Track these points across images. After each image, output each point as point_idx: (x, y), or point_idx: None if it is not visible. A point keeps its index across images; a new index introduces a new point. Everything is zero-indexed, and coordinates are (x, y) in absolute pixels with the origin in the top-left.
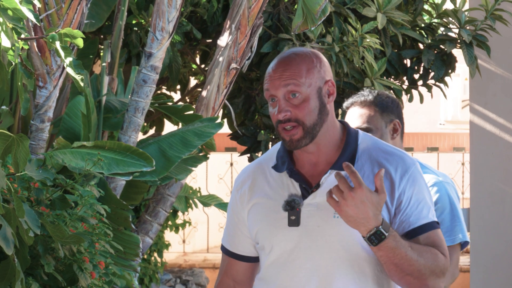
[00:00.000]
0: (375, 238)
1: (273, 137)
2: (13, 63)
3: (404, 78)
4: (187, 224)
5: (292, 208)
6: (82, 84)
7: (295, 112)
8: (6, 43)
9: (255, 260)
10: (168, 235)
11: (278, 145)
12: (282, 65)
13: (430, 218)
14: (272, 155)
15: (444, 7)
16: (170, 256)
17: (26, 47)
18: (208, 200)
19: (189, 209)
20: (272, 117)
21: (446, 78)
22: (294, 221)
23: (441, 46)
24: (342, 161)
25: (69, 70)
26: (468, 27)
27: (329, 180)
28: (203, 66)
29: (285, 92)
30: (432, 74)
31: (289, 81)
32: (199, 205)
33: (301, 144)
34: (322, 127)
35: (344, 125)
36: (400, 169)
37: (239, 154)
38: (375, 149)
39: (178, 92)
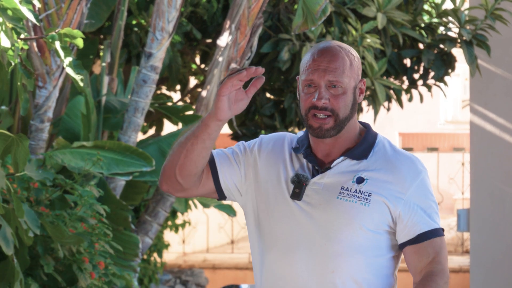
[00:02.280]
0: None
1: None
2: (13, 63)
3: (404, 78)
4: (187, 225)
5: (299, 182)
6: (81, 84)
7: (332, 102)
8: (6, 43)
9: (216, 188)
10: (168, 236)
11: (301, 133)
12: (328, 55)
13: (437, 224)
14: (294, 138)
15: (444, 7)
16: (169, 256)
17: (25, 47)
18: (208, 201)
19: (189, 209)
20: (304, 101)
21: (446, 78)
22: (297, 194)
23: (441, 45)
24: (358, 151)
25: (69, 70)
26: (468, 27)
27: (341, 165)
28: (203, 66)
29: (328, 81)
30: (432, 74)
31: (335, 72)
32: (199, 205)
33: (328, 134)
34: (349, 123)
35: (365, 126)
36: (412, 173)
37: None
38: (390, 150)
39: (178, 92)
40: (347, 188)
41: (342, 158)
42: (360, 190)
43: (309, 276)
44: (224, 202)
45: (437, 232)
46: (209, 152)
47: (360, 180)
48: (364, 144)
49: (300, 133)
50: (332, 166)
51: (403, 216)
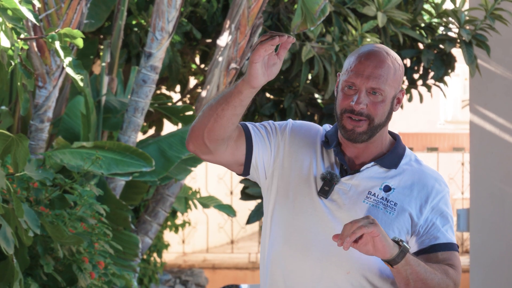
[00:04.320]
0: (404, 251)
1: None
2: (13, 63)
3: (404, 77)
4: (187, 224)
5: (331, 180)
6: (81, 84)
7: (370, 108)
8: (6, 43)
9: (245, 163)
10: (168, 236)
11: (328, 126)
12: (375, 60)
13: (453, 239)
14: (323, 131)
15: (444, 7)
16: (169, 256)
17: (25, 47)
18: (208, 202)
19: (188, 210)
20: (342, 101)
21: (446, 78)
22: (325, 192)
23: (440, 45)
24: (388, 159)
25: (69, 70)
26: (468, 27)
27: (370, 170)
28: (202, 66)
29: (369, 87)
30: (431, 74)
31: (378, 80)
32: (199, 205)
33: (360, 138)
34: (381, 130)
35: (395, 137)
36: (435, 191)
37: None
38: (417, 165)
39: (178, 92)
40: (374, 193)
41: (372, 163)
42: (386, 198)
43: (323, 274)
44: (224, 202)
45: (452, 247)
46: (239, 118)
47: (387, 189)
48: (394, 153)
49: (326, 126)
50: (361, 169)
51: (422, 228)
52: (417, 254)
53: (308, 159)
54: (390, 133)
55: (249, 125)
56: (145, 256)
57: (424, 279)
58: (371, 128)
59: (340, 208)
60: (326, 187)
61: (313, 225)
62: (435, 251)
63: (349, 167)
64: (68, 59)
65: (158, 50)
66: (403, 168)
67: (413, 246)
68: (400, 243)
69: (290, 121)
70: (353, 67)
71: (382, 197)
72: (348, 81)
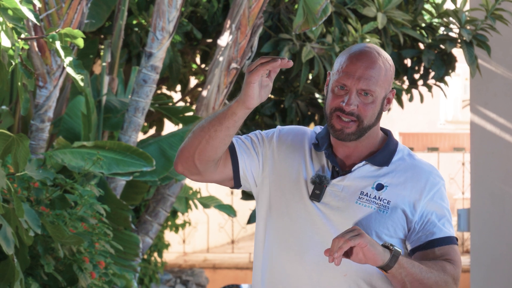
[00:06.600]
0: (395, 255)
1: None
2: (13, 63)
3: (405, 77)
4: (187, 224)
5: (321, 183)
6: (82, 84)
7: (360, 109)
8: (6, 42)
9: (234, 177)
10: (168, 235)
11: (318, 128)
12: (366, 61)
13: (451, 233)
14: (313, 133)
15: (444, 7)
16: (170, 256)
17: (26, 47)
18: (208, 201)
19: (189, 209)
20: (332, 101)
21: (446, 78)
22: (317, 196)
23: (441, 45)
24: (380, 157)
25: (69, 70)
26: (468, 27)
27: (362, 169)
28: (203, 66)
29: (360, 88)
30: (432, 74)
31: (369, 81)
32: (199, 205)
33: (349, 138)
34: (371, 130)
35: (387, 133)
36: (430, 184)
37: None
38: (409, 159)
39: (179, 92)
40: (367, 193)
41: (363, 162)
42: (379, 197)
43: (320, 278)
44: (224, 202)
45: (449, 240)
46: (231, 139)
47: (379, 187)
48: (385, 151)
49: (317, 128)
50: (353, 169)
51: (417, 225)
52: (414, 251)
53: (297, 163)
54: (382, 129)
55: (233, 138)
56: (145, 256)
57: (420, 279)
58: (360, 129)
59: (333, 211)
60: (317, 191)
61: (308, 229)
62: (432, 247)
63: (341, 168)
64: (69, 59)
65: (159, 50)
66: (395, 165)
67: (410, 242)
68: (391, 247)
69: (278, 128)
70: (344, 68)
71: (375, 196)
72: (339, 82)
